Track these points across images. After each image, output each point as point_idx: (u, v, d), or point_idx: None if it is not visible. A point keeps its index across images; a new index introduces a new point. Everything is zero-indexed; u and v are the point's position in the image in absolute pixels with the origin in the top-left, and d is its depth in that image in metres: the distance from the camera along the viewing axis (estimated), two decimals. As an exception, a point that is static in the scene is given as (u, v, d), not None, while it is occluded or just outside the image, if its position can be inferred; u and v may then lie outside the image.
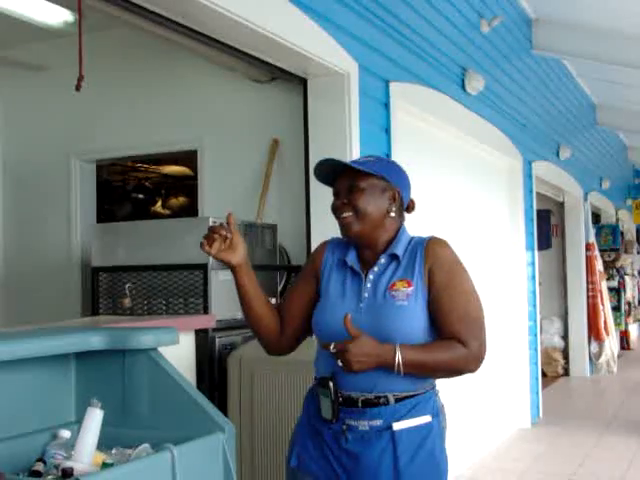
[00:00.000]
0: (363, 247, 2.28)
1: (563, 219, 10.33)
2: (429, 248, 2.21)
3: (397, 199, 2.26)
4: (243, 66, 4.26)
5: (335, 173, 2.27)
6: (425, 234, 2.31)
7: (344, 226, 2.23)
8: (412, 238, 2.29)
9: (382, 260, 2.24)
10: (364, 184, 2.21)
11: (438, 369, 2.15)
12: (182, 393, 2.22)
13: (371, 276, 2.23)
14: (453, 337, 2.13)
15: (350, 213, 2.20)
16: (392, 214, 2.24)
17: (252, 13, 3.29)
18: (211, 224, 2.29)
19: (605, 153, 11.84)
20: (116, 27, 4.62)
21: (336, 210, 2.25)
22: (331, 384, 2.16)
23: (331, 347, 2.04)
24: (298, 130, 4.19)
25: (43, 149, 5.51)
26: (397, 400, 2.14)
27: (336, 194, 2.27)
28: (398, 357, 2.05)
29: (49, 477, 2.01)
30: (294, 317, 2.34)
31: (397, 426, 2.13)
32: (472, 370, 2.17)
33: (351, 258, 2.28)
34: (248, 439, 3.55)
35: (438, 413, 2.21)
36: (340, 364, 2.04)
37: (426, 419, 2.17)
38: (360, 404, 2.16)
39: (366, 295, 2.20)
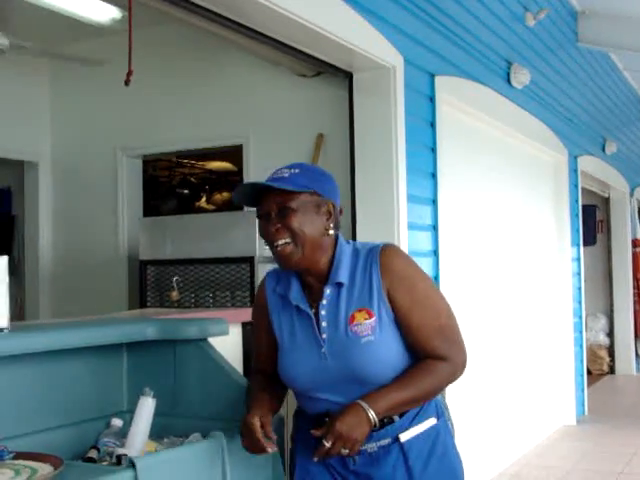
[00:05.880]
0: (304, 274, 2.03)
1: (609, 215, 10.19)
2: (383, 264, 1.97)
3: (333, 213, 2.01)
4: (289, 60, 4.27)
5: (258, 192, 1.98)
6: (374, 238, 2.07)
7: (282, 257, 1.95)
8: (355, 250, 2.04)
9: (328, 291, 1.99)
10: (295, 203, 1.93)
11: (427, 396, 2.01)
12: (232, 383, 2.24)
13: (323, 312, 1.99)
14: (431, 353, 1.97)
15: (288, 240, 1.93)
16: (331, 232, 1.99)
17: (298, 6, 3.30)
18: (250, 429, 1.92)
19: (652, 148, 11.65)
20: (163, 23, 4.66)
21: (269, 236, 1.96)
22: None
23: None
24: (343, 124, 4.19)
25: (91, 144, 5.59)
26: (401, 415, 1.99)
27: (263, 217, 1.98)
28: (371, 415, 1.87)
29: (103, 463, 2.05)
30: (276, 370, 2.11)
31: (404, 437, 2.00)
32: (458, 377, 2.03)
33: (294, 294, 2.03)
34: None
35: (443, 412, 2.09)
36: (346, 453, 1.87)
37: (432, 422, 2.04)
38: None
39: (325, 336, 1.98)
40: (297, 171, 1.98)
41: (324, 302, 1.99)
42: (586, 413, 7.42)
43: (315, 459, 1.89)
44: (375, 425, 1.89)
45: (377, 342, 1.94)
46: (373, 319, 1.94)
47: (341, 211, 2.08)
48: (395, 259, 2.00)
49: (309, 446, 1.99)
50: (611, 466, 5.50)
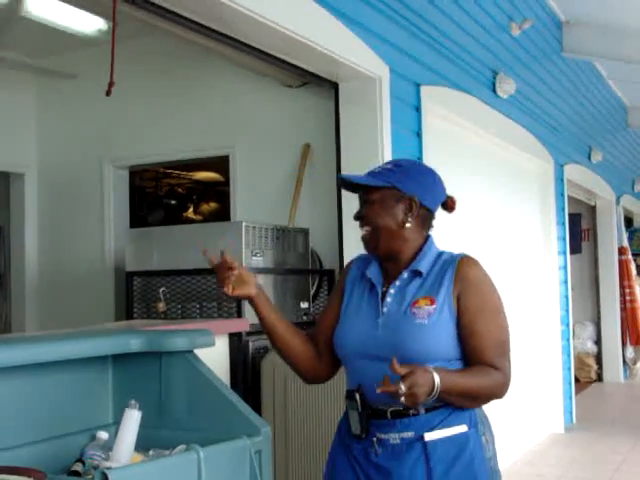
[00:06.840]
0: (386, 261, 2.18)
1: (595, 223, 10.24)
2: (460, 269, 2.08)
3: (414, 208, 2.12)
4: (274, 71, 4.28)
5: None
6: (456, 249, 2.19)
7: (364, 242, 2.17)
8: (441, 253, 2.17)
9: (405, 275, 2.14)
10: (375, 196, 2.12)
11: (480, 395, 2.07)
12: (219, 395, 2.23)
13: (392, 290, 2.13)
14: (486, 363, 2.03)
15: (368, 228, 2.13)
16: (408, 225, 2.12)
17: (283, 17, 3.31)
18: (216, 263, 2.16)
19: (637, 156, 11.71)
20: (149, 34, 4.66)
21: (358, 222, 2.20)
22: (357, 396, 2.07)
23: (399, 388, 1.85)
24: (329, 134, 4.20)
25: (77, 155, 5.57)
26: (428, 410, 2.02)
27: (360, 204, 2.21)
28: (437, 382, 1.88)
29: (88, 477, 2.04)
30: (329, 342, 2.23)
31: (429, 436, 2.02)
32: (504, 394, 2.09)
33: (372, 271, 2.19)
34: (282, 443, 3.56)
35: (476, 423, 2.09)
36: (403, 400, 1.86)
37: (461, 429, 2.05)
38: (389, 415, 2.05)
39: (385, 310, 2.11)
40: (389, 167, 2.17)
41: (397, 283, 2.14)
42: (574, 421, 7.43)
43: (378, 390, 1.86)
44: (434, 395, 1.89)
45: (428, 327, 2.03)
46: (433, 307, 2.05)
47: (452, 205, 2.31)
48: (471, 268, 2.11)
49: (342, 444, 2.17)
50: (600, 473, 5.52)
